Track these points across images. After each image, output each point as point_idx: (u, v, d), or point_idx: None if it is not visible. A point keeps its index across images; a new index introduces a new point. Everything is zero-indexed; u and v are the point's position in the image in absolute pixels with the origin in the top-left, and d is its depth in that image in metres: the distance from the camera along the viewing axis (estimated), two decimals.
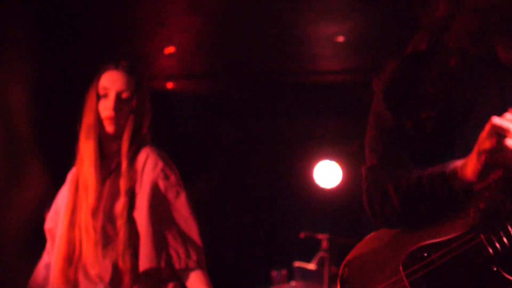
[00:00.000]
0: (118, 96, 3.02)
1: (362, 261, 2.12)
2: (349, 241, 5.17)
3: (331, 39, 5.53)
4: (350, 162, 6.66)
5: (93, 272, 2.90)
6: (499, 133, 1.79)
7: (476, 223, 1.92)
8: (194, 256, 2.92)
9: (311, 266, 5.62)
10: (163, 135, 6.99)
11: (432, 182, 1.94)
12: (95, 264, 2.89)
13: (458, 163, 1.91)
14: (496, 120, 1.79)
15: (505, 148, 1.79)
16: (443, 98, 2.03)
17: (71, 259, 2.91)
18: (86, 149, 3.01)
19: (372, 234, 2.17)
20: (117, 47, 5.77)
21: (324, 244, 4.44)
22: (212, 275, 7.04)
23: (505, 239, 1.88)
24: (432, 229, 2.00)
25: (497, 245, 1.89)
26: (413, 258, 2.00)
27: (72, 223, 2.94)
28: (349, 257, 2.16)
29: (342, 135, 6.71)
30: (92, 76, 3.10)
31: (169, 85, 6.46)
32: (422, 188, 1.97)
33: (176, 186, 3.03)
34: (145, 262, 2.84)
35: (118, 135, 3.03)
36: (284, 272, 6.06)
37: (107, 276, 2.89)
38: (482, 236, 1.90)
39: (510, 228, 1.88)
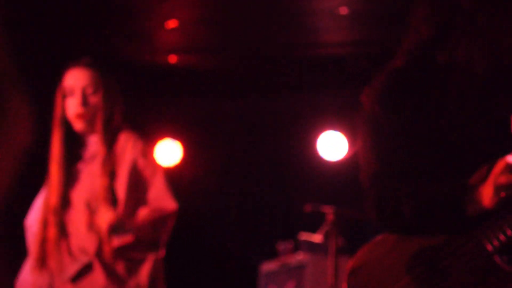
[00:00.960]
0: (83, 92, 3.09)
1: (368, 267, 2.15)
2: (355, 213, 5.19)
3: (334, 11, 5.50)
4: (355, 132, 6.65)
5: (75, 247, 2.96)
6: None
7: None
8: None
9: (317, 238, 5.63)
10: (164, 109, 7.02)
11: (446, 204, 2.04)
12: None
13: (472, 187, 2.01)
14: (510, 158, 1.94)
15: None
16: (438, 108, 2.10)
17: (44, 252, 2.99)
18: (53, 148, 3.12)
19: (375, 239, 2.21)
20: (120, 22, 5.75)
21: (330, 216, 4.44)
22: (218, 249, 7.09)
23: (502, 236, 1.98)
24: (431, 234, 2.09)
25: (495, 242, 1.99)
26: (417, 260, 2.05)
27: (44, 217, 3.04)
28: (354, 264, 2.18)
29: (347, 107, 6.68)
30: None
31: (172, 59, 6.44)
32: (434, 209, 2.05)
33: (154, 164, 3.02)
34: (118, 237, 2.91)
35: (89, 130, 3.10)
36: (290, 243, 6.08)
37: (92, 248, 2.94)
38: (480, 234, 2.01)
39: (506, 229, 1.99)
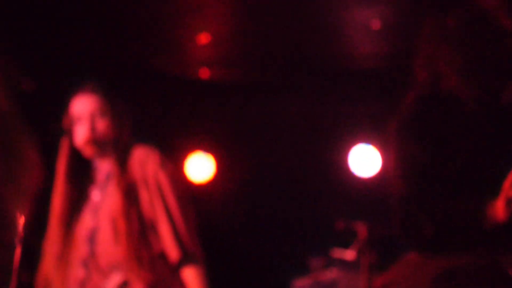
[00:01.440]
0: (92, 118, 3.09)
1: (395, 286, 2.22)
2: (387, 229, 5.12)
3: (367, 24, 5.47)
4: (387, 146, 6.59)
5: (104, 263, 2.94)
6: None
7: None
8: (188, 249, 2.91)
9: (350, 255, 5.57)
10: (197, 123, 7.01)
11: (463, 220, 2.13)
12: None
13: (487, 203, 2.11)
14: None
15: None
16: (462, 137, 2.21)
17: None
18: (58, 183, 3.15)
19: (404, 258, 2.32)
20: (152, 35, 5.77)
21: (362, 233, 4.39)
22: (248, 264, 7.04)
23: None
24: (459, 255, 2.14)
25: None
26: (439, 282, 2.11)
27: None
28: (383, 283, 2.27)
29: (379, 120, 6.63)
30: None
31: (204, 73, 6.44)
32: (452, 226, 2.15)
33: (173, 175, 3.03)
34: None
35: (100, 154, 3.12)
36: (322, 260, 6.03)
37: (122, 262, 2.92)
38: (502, 258, 2.09)
39: None
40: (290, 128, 7.03)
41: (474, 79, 2.17)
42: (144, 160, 3.04)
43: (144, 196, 2.98)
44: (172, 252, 2.92)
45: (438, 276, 2.09)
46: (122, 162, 3.03)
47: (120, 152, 3.06)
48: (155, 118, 6.80)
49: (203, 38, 5.76)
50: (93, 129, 3.08)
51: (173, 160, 6.71)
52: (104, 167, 3.10)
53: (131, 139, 3.16)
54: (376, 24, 5.44)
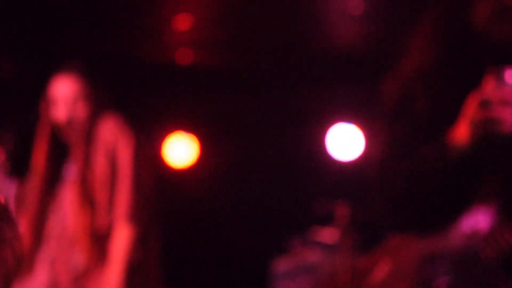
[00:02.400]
0: (70, 102, 3.11)
1: (383, 274, 2.13)
2: (369, 211, 5.15)
3: (348, 7, 5.49)
4: (370, 126, 6.63)
5: (69, 236, 2.96)
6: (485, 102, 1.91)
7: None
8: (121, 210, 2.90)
9: (330, 236, 5.61)
10: (177, 107, 7.02)
11: (428, 155, 2.02)
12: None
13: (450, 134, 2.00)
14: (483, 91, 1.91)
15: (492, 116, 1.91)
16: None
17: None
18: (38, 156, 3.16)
19: (389, 239, 2.24)
20: (131, 21, 5.75)
21: (343, 214, 4.43)
22: (228, 246, 7.08)
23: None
24: (443, 236, 2.05)
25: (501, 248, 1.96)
26: (428, 267, 2.03)
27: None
28: (367, 264, 2.20)
29: (360, 103, 6.67)
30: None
31: (185, 56, 6.44)
32: (425, 171, 2.03)
33: (133, 143, 3.03)
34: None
35: (74, 140, 3.13)
36: (301, 241, 6.06)
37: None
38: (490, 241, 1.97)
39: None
40: (271, 111, 7.04)
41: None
42: (108, 127, 3.06)
43: (100, 161, 2.98)
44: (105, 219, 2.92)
45: (423, 258, 2.03)
46: (89, 133, 3.03)
47: (90, 145, 3.06)
48: (136, 103, 6.81)
49: (184, 21, 5.75)
50: (71, 111, 3.08)
51: (155, 143, 6.74)
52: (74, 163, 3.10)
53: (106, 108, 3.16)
54: (357, 7, 5.46)
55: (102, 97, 3.14)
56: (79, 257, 2.91)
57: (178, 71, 6.73)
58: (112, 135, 3.04)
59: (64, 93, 3.09)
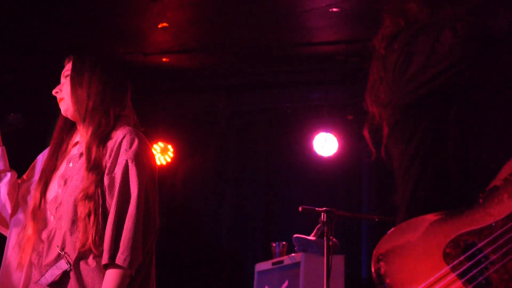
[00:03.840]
0: (66, 79, 3.07)
1: (399, 254, 2.04)
2: (346, 213, 5.19)
3: (326, 9, 5.51)
4: (346, 132, 6.67)
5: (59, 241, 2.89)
6: None
7: None
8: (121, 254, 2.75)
9: (311, 238, 5.64)
10: (158, 109, 7.00)
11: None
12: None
13: None
14: None
15: None
16: None
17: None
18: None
19: (401, 224, 2.11)
20: (111, 23, 5.76)
21: (323, 217, 4.45)
22: (212, 250, 7.07)
23: None
24: (470, 216, 1.99)
25: None
26: (455, 247, 1.96)
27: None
28: (381, 250, 2.06)
29: (339, 105, 6.71)
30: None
31: (164, 59, 6.44)
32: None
33: (140, 174, 2.88)
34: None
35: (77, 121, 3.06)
36: (284, 244, 6.09)
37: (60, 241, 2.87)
38: None
39: None
40: (252, 116, 7.06)
41: None
42: (120, 145, 2.92)
43: (106, 183, 2.86)
44: (104, 253, 2.79)
45: (453, 241, 1.95)
46: (100, 140, 2.94)
47: (98, 127, 2.97)
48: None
49: (162, 25, 5.77)
50: (60, 87, 3.06)
51: None
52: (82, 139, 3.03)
53: (123, 117, 3.07)
54: (335, 8, 5.49)
55: (107, 79, 3.07)
56: (78, 234, 2.84)
57: (155, 73, 6.73)
58: (123, 156, 2.90)
59: (66, 72, 3.08)
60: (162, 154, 7.03)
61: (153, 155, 3.02)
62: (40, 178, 3.05)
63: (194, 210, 7.11)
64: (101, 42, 6.01)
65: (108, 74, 3.09)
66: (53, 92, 3.07)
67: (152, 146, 6.99)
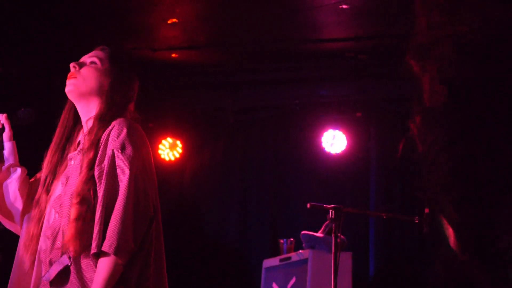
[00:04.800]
0: (84, 60, 3.06)
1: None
2: (354, 210, 5.19)
3: (336, 6, 5.51)
4: (355, 129, 6.66)
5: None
6: None
7: None
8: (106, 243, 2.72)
9: (319, 235, 5.65)
10: (166, 105, 7.01)
11: None
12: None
13: None
14: None
15: None
16: None
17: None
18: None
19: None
20: (120, 18, 5.76)
21: (331, 213, 4.45)
22: (219, 246, 7.07)
23: None
24: None
25: None
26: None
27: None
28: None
29: (347, 102, 6.70)
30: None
31: (173, 55, 6.45)
32: None
33: (127, 162, 2.84)
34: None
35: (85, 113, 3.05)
36: (291, 240, 6.10)
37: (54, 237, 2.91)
38: None
39: None
40: (261, 112, 7.06)
41: None
42: (109, 136, 2.89)
43: (96, 174, 2.83)
44: (93, 243, 2.79)
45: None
46: (96, 135, 2.94)
47: (100, 121, 2.95)
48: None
49: (170, 22, 5.78)
50: (78, 65, 3.03)
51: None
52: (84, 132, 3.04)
53: (124, 111, 3.04)
54: (344, 5, 5.48)
55: (123, 72, 3.08)
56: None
57: (164, 69, 6.74)
58: (111, 147, 2.87)
59: (87, 57, 3.09)
60: (171, 149, 7.03)
61: (145, 143, 2.95)
62: (45, 176, 3.06)
63: (201, 205, 7.11)
64: (110, 38, 6.01)
65: (127, 70, 3.11)
66: (71, 65, 3.02)
67: (160, 141, 7.00)
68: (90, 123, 2.98)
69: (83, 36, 5.87)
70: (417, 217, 4.50)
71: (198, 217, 7.08)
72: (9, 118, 3.08)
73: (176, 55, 6.43)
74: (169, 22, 5.80)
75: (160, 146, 7.01)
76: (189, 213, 7.12)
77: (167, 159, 7.03)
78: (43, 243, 2.94)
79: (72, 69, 3.04)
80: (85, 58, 3.08)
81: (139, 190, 2.83)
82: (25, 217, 3.07)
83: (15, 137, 3.15)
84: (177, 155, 7.04)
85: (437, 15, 2.23)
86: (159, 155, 6.99)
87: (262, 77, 6.83)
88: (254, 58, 6.59)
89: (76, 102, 3.06)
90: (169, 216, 6.99)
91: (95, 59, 3.05)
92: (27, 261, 2.98)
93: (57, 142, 3.10)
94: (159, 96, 6.94)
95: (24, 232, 3.05)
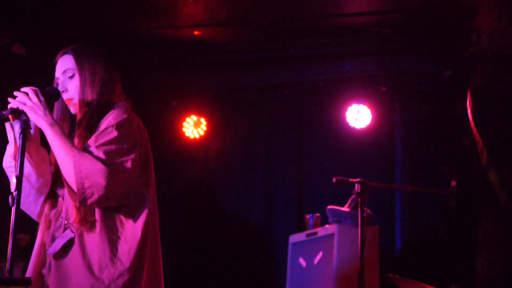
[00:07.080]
0: (64, 77, 3.18)
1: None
2: (380, 184, 5.19)
3: None
4: (379, 104, 6.64)
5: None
6: None
7: None
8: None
9: (345, 209, 5.66)
10: (189, 83, 7.03)
11: None
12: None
13: None
14: None
15: None
16: None
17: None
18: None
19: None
20: None
21: (356, 187, 4.45)
22: (246, 223, 7.12)
23: None
24: None
25: None
26: None
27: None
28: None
29: (371, 77, 6.67)
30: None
31: (196, 33, 6.44)
32: None
33: (113, 126, 3.02)
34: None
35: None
36: (317, 215, 6.11)
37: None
38: None
39: None
40: (283, 89, 7.05)
41: None
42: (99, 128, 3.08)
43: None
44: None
45: None
46: (90, 126, 3.09)
47: (92, 117, 3.11)
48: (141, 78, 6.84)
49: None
50: (63, 88, 3.16)
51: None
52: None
53: (113, 101, 3.18)
54: None
55: (92, 66, 3.16)
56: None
57: (187, 47, 6.74)
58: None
59: (60, 71, 3.19)
60: (195, 127, 7.05)
61: (134, 122, 3.11)
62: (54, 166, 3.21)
63: (227, 182, 7.14)
64: (133, 17, 6.02)
65: (105, 66, 3.19)
66: (60, 90, 3.16)
67: (184, 119, 7.03)
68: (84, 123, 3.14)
69: (107, 18, 5.90)
70: (443, 190, 4.49)
71: (223, 194, 7.11)
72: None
73: (199, 33, 6.42)
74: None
75: (185, 124, 7.04)
76: (215, 189, 7.15)
77: (191, 136, 7.06)
78: (49, 226, 3.13)
79: (63, 95, 3.18)
80: (59, 74, 3.21)
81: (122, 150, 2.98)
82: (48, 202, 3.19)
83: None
84: (202, 133, 7.06)
85: None
86: (183, 133, 7.02)
87: (285, 54, 6.81)
88: (276, 35, 6.56)
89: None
90: (194, 193, 7.03)
91: (69, 72, 3.18)
92: (39, 240, 3.15)
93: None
94: (182, 74, 6.95)
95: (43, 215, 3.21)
